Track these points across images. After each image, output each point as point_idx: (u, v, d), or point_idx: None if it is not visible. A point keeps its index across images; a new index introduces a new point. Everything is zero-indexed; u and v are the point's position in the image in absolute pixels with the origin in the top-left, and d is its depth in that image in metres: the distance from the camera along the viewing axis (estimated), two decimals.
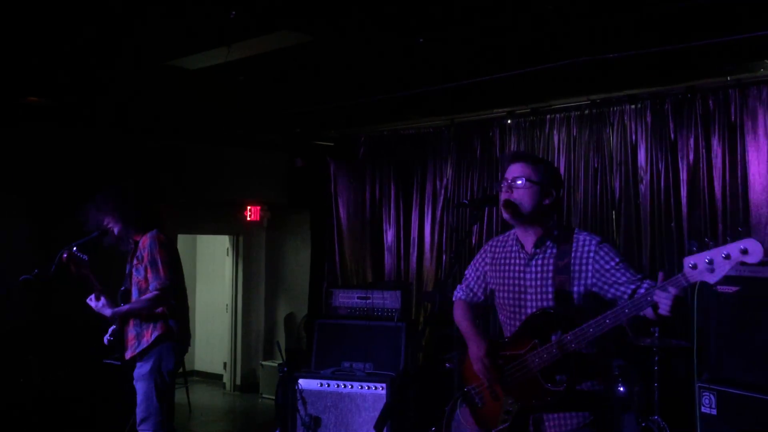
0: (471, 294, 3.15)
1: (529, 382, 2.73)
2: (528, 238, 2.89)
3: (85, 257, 4.16)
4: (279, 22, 4.30)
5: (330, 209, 7.89)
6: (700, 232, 5.34)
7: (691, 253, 2.38)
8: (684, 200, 5.47)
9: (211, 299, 9.00)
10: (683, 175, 5.50)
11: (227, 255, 8.53)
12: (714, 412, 4.19)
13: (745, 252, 2.28)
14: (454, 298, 3.25)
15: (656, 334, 4.76)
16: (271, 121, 7.26)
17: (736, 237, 2.33)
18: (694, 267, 2.36)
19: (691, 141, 5.46)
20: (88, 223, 4.26)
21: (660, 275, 2.50)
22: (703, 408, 4.24)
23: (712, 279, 2.35)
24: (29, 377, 5.52)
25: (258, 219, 8.35)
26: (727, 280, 4.22)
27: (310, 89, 6.06)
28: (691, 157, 5.46)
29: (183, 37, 4.60)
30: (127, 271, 4.35)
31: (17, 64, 5.01)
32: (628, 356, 5.05)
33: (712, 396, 4.21)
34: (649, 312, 2.51)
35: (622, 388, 4.82)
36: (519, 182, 2.80)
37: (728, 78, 5.28)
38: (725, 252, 2.31)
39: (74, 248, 4.12)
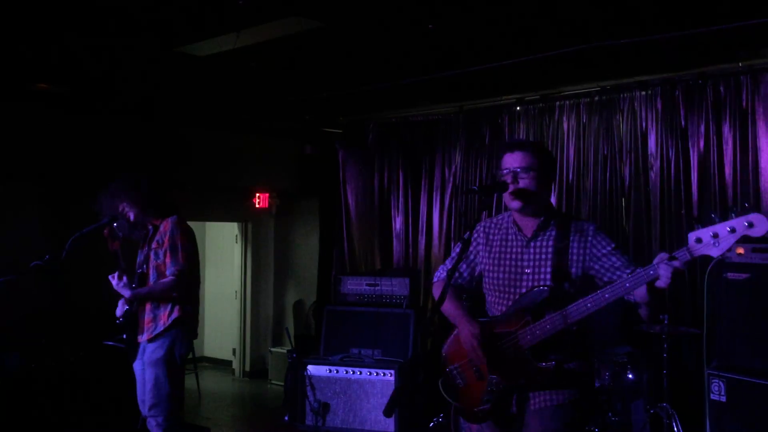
0: (456, 273, 3.09)
1: (518, 360, 2.74)
2: (529, 223, 2.92)
3: (121, 234, 4.27)
4: (288, 8, 4.29)
5: (339, 196, 7.90)
6: (710, 219, 5.30)
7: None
8: (694, 187, 5.44)
9: (220, 286, 9.03)
10: (694, 162, 5.46)
11: (236, 242, 8.55)
12: (723, 399, 4.20)
13: (750, 225, 2.27)
14: (435, 279, 3.24)
15: (666, 321, 4.75)
16: (281, 108, 7.25)
17: (742, 213, 2.32)
18: (699, 241, 2.36)
19: (702, 128, 5.43)
20: (103, 211, 4.28)
21: None
22: (712, 395, 4.25)
23: (715, 252, 2.35)
24: (41, 362, 5.57)
25: (267, 206, 8.35)
26: (737, 267, 4.27)
27: (320, 76, 6.05)
28: (702, 144, 5.43)
29: (192, 23, 4.59)
30: (139, 259, 4.35)
31: (27, 50, 5.02)
32: (637, 343, 5.05)
33: (721, 383, 4.21)
34: (641, 292, 2.51)
35: (631, 375, 4.82)
36: (526, 172, 2.83)
37: (740, 64, 5.24)
38: (730, 226, 2.31)
39: (115, 224, 4.23)
